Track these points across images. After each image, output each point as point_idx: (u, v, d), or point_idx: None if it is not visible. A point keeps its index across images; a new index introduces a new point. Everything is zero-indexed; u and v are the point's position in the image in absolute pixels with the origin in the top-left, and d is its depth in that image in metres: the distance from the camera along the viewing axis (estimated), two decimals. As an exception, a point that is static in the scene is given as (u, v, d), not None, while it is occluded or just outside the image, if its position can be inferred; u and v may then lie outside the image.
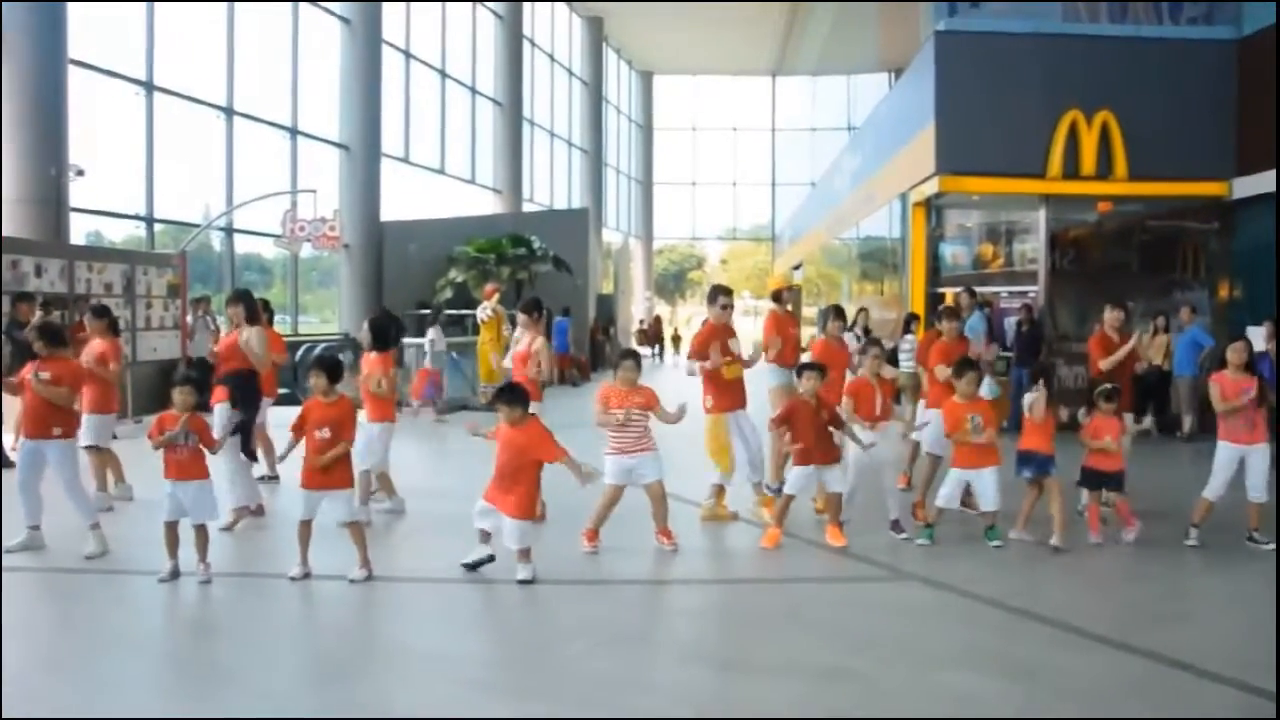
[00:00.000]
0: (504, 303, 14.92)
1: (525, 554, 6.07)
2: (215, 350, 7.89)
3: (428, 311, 17.34)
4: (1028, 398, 7.28)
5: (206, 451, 6.18)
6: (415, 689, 4.52)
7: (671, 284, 57.03)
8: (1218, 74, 12.82)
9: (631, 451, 6.75)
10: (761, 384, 8.48)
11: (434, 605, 5.83)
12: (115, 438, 8.31)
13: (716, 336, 7.66)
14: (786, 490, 7.16)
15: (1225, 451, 6.96)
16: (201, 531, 6.10)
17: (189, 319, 14.60)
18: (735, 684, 4.59)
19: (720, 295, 7.90)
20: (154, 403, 12.27)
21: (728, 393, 7.67)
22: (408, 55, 22.93)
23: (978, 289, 11.75)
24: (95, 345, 8.12)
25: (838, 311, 8.61)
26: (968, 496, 7.41)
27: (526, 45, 29.09)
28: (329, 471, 6.11)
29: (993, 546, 6.89)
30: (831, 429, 7.07)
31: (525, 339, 7.98)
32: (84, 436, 7.59)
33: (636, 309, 35.60)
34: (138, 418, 12.30)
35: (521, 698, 4.43)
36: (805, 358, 8.14)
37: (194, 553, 6.03)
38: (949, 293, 14.03)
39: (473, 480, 6.62)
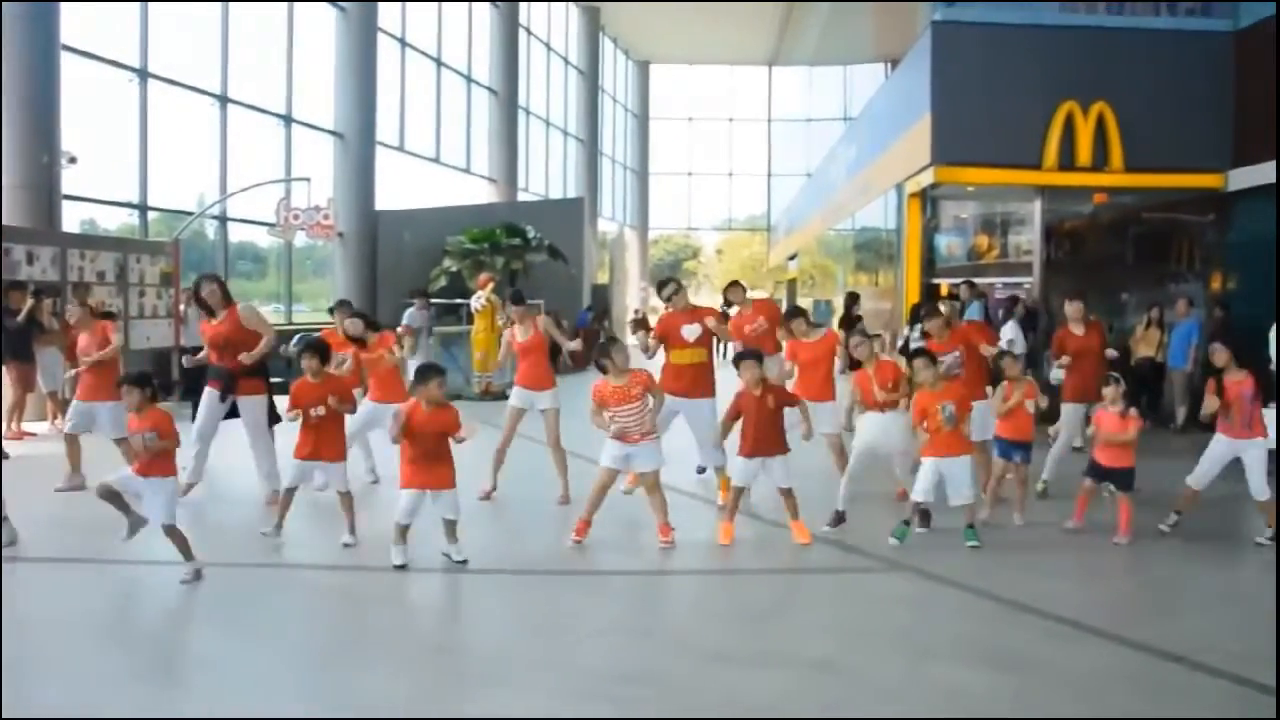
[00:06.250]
0: (498, 292, 14.89)
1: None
2: (208, 341, 7.63)
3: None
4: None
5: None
6: (410, 680, 4.52)
7: (667, 274, 56.82)
8: (1214, 65, 12.78)
9: (631, 439, 6.54)
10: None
11: (427, 596, 5.82)
12: None
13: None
14: (735, 483, 6.93)
15: (1218, 445, 6.92)
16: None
17: (183, 308, 14.53)
18: (724, 675, 4.56)
19: (664, 287, 8.09)
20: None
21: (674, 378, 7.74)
22: (403, 43, 22.82)
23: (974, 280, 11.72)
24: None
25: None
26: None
27: (523, 34, 28.96)
28: (323, 443, 6.36)
29: (968, 547, 6.63)
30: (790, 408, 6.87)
31: (526, 329, 8.10)
32: None
33: (631, 299, 35.54)
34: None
35: (510, 688, 4.41)
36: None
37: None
38: (944, 284, 14.02)
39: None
